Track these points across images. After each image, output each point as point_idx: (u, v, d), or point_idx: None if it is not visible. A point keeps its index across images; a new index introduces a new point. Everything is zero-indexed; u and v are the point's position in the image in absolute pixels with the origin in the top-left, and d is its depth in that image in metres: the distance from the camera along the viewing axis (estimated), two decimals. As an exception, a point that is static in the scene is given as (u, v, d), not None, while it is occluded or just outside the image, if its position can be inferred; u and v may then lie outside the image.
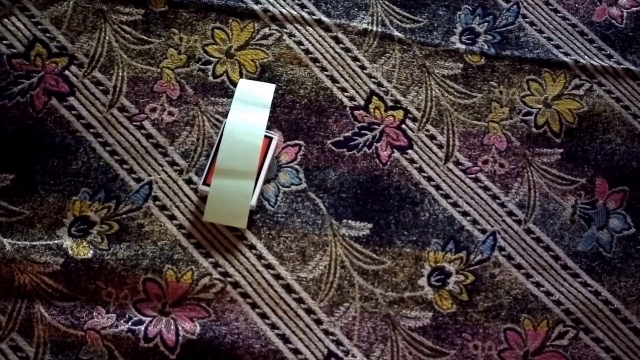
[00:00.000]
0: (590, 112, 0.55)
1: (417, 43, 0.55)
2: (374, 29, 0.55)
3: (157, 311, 0.45)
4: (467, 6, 0.57)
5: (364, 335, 0.46)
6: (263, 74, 0.52)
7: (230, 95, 0.51)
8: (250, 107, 0.48)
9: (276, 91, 0.50)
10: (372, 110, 0.52)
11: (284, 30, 0.53)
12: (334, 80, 0.53)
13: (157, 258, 0.46)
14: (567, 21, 0.58)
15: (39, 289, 0.45)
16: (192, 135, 0.50)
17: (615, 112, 0.55)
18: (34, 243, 0.45)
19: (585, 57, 0.56)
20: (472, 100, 0.54)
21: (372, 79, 0.53)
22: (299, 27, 0.54)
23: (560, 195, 0.52)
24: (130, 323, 0.44)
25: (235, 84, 0.51)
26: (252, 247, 0.47)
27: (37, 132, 0.48)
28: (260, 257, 0.47)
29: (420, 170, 0.51)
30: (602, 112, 0.55)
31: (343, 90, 0.52)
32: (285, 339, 0.46)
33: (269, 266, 0.47)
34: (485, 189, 0.51)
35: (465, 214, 0.50)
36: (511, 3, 0.58)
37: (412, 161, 0.51)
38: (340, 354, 0.46)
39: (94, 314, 0.44)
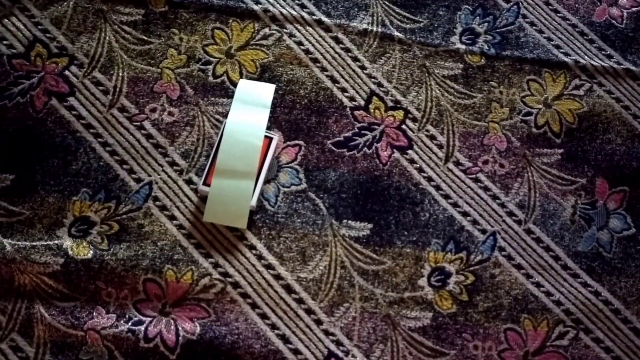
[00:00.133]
0: (591, 112, 0.55)
1: (417, 43, 0.55)
2: (374, 29, 0.55)
3: (157, 311, 0.45)
4: (467, 6, 0.57)
5: (364, 336, 0.46)
6: (263, 74, 0.52)
7: (230, 95, 0.51)
8: (250, 108, 0.48)
9: (276, 91, 0.50)
10: (372, 110, 0.52)
11: (284, 30, 0.53)
12: (334, 80, 0.53)
13: (157, 258, 0.46)
14: (567, 21, 0.58)
15: (39, 289, 0.45)
16: (192, 136, 0.50)
17: (616, 112, 0.55)
18: (34, 243, 0.45)
19: (586, 57, 0.56)
20: (472, 101, 0.54)
21: (372, 79, 0.53)
22: (299, 27, 0.54)
23: (561, 195, 0.52)
24: (130, 323, 0.44)
25: (235, 84, 0.51)
26: (252, 247, 0.47)
27: (37, 133, 0.48)
28: (260, 257, 0.47)
29: (420, 170, 0.51)
30: (602, 113, 0.55)
31: (343, 90, 0.52)
32: (285, 339, 0.46)
33: (269, 266, 0.47)
34: (486, 189, 0.51)
35: (465, 214, 0.50)
36: (511, 3, 0.58)
37: (412, 161, 0.51)
38: (341, 354, 0.46)
39: (94, 314, 0.44)
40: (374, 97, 0.53)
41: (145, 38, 0.52)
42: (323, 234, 0.48)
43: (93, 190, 0.47)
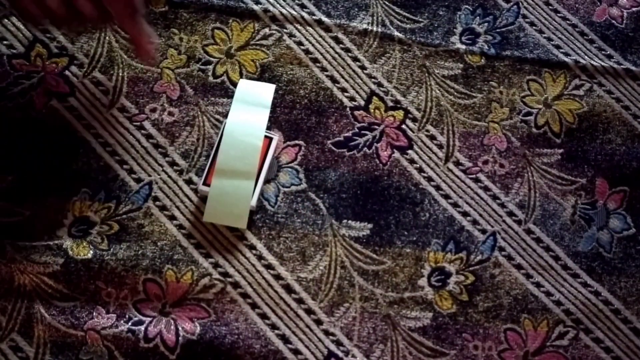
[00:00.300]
0: (591, 112, 0.55)
1: (417, 43, 0.55)
2: (374, 29, 0.55)
3: (157, 311, 0.45)
4: (467, 6, 0.57)
5: (364, 336, 0.46)
6: (263, 74, 0.52)
7: (230, 95, 0.51)
8: (250, 108, 0.48)
9: (276, 91, 0.50)
10: (372, 110, 0.52)
11: (284, 30, 0.53)
12: (334, 80, 0.53)
13: (157, 258, 0.46)
14: (568, 21, 0.58)
15: (39, 289, 0.45)
16: (192, 136, 0.50)
17: (616, 112, 0.55)
18: (34, 243, 0.45)
19: (586, 57, 0.56)
20: (472, 101, 0.54)
21: (372, 79, 0.53)
22: (299, 27, 0.54)
23: (561, 195, 0.52)
24: (130, 323, 0.44)
25: (235, 84, 0.51)
26: (252, 247, 0.47)
27: (38, 133, 0.48)
28: (260, 257, 0.47)
29: (420, 170, 0.51)
30: (602, 113, 0.55)
31: (343, 90, 0.52)
32: (285, 339, 0.46)
33: (269, 266, 0.47)
34: (486, 189, 0.51)
35: (465, 214, 0.50)
36: (511, 3, 0.58)
37: (412, 161, 0.51)
38: (340, 354, 0.46)
39: (94, 314, 0.44)
40: (374, 97, 0.53)
41: (145, 38, 0.52)
42: (323, 234, 0.48)
43: (93, 191, 0.47)
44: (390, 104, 0.53)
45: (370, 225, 0.49)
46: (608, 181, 0.53)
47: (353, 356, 0.46)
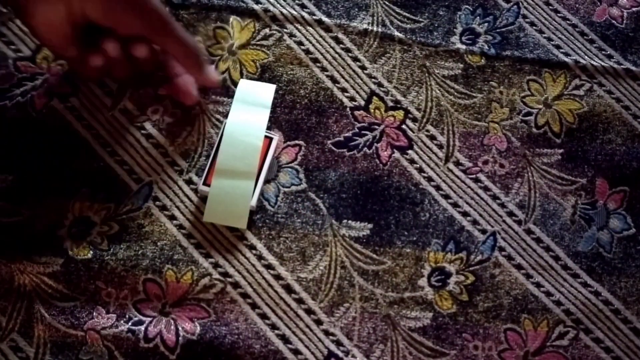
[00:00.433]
0: (591, 112, 0.55)
1: (417, 43, 0.55)
2: (375, 29, 0.55)
3: (157, 311, 0.45)
4: (467, 6, 0.57)
5: (364, 336, 0.46)
6: (263, 74, 0.52)
7: (231, 94, 0.51)
8: (250, 108, 0.48)
9: (276, 91, 0.50)
10: (372, 110, 0.52)
11: (285, 30, 0.53)
12: (334, 80, 0.53)
13: (157, 258, 0.46)
14: (568, 21, 0.58)
15: (39, 289, 0.45)
16: (192, 136, 0.50)
17: (616, 112, 0.55)
18: (34, 243, 0.45)
19: (586, 57, 0.56)
20: (473, 101, 0.54)
21: (373, 79, 0.53)
22: (300, 27, 0.54)
23: (561, 195, 0.52)
24: (130, 323, 0.44)
25: (236, 84, 0.51)
26: (252, 247, 0.47)
27: (38, 133, 0.48)
28: (260, 257, 0.47)
29: (420, 170, 0.51)
30: (603, 113, 0.55)
31: (343, 90, 0.52)
32: (285, 339, 0.46)
33: (269, 266, 0.47)
34: (486, 189, 0.51)
35: (465, 214, 0.50)
36: (511, 3, 0.58)
37: (412, 161, 0.51)
38: (341, 354, 0.46)
39: (94, 314, 0.44)
40: (374, 97, 0.53)
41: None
42: (323, 234, 0.48)
43: (93, 191, 0.47)
44: (391, 104, 0.53)
45: (370, 225, 0.49)
46: (608, 181, 0.53)
47: (353, 356, 0.46)
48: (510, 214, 0.51)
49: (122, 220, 0.47)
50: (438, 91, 0.54)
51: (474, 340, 0.47)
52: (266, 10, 0.54)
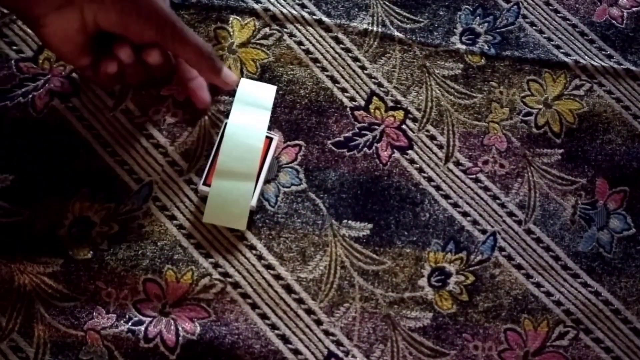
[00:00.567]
0: (591, 112, 0.55)
1: (417, 43, 0.55)
2: (375, 29, 0.55)
3: (157, 311, 0.45)
4: (467, 6, 0.57)
5: (364, 336, 0.46)
6: (263, 74, 0.52)
7: (231, 94, 0.51)
8: (251, 109, 0.48)
9: (276, 91, 0.50)
10: (372, 110, 0.52)
11: (285, 30, 0.53)
12: (334, 80, 0.53)
13: (157, 258, 0.46)
14: (568, 21, 0.58)
15: (39, 289, 0.45)
16: (192, 136, 0.50)
17: (616, 112, 0.55)
18: (34, 243, 0.45)
19: (586, 57, 0.56)
20: (473, 101, 0.54)
21: (373, 80, 0.53)
22: (300, 27, 0.54)
23: (561, 195, 0.52)
24: (130, 323, 0.44)
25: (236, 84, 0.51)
26: (252, 247, 0.47)
27: (38, 133, 0.48)
28: (260, 257, 0.47)
29: (420, 170, 0.51)
30: (603, 113, 0.55)
31: (343, 90, 0.52)
32: (285, 340, 0.46)
33: (269, 266, 0.47)
34: (486, 189, 0.51)
35: (465, 214, 0.50)
36: (511, 3, 0.58)
37: (412, 161, 0.51)
38: (341, 355, 0.46)
39: (94, 314, 0.44)
40: (374, 97, 0.53)
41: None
42: (323, 234, 0.48)
43: (93, 191, 0.47)
44: (391, 104, 0.53)
45: (370, 226, 0.49)
46: (608, 181, 0.53)
47: (353, 356, 0.46)
48: (510, 214, 0.51)
49: (122, 220, 0.47)
50: (438, 91, 0.54)
51: (474, 340, 0.47)
52: (266, 10, 0.54)
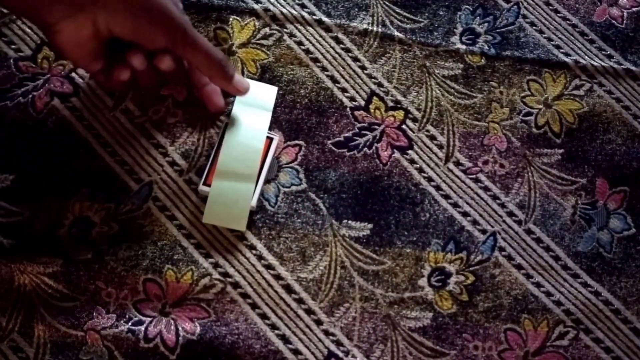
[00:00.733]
0: (591, 112, 0.55)
1: (417, 43, 0.55)
2: (375, 29, 0.55)
3: (157, 311, 0.45)
4: (467, 6, 0.57)
5: (364, 336, 0.46)
6: (264, 74, 0.52)
7: (232, 94, 0.51)
8: (252, 110, 0.48)
9: (277, 92, 0.50)
10: (372, 110, 0.52)
11: (285, 30, 0.53)
12: (334, 80, 0.53)
13: (157, 258, 0.46)
14: (568, 21, 0.58)
15: (39, 289, 0.45)
16: (193, 136, 0.50)
17: (616, 112, 0.55)
18: (34, 243, 0.45)
19: (586, 57, 0.56)
20: (473, 101, 0.54)
21: (373, 79, 0.53)
22: (300, 27, 0.54)
23: (561, 195, 0.52)
24: (130, 323, 0.44)
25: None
26: (252, 247, 0.47)
27: (38, 133, 0.48)
28: (260, 257, 0.47)
29: (420, 170, 0.51)
30: (603, 113, 0.55)
31: (343, 90, 0.52)
32: (285, 340, 0.46)
33: (269, 266, 0.47)
34: (486, 189, 0.51)
35: (465, 214, 0.50)
36: (511, 3, 0.58)
37: (412, 161, 0.51)
38: (341, 355, 0.46)
39: (94, 314, 0.44)
40: (374, 97, 0.53)
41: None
42: (323, 234, 0.48)
43: (93, 191, 0.47)
44: (391, 104, 0.53)
45: (370, 226, 0.49)
46: (608, 181, 0.53)
47: (353, 356, 0.46)
48: (510, 214, 0.51)
49: (122, 220, 0.47)
50: (438, 91, 0.54)
51: (474, 340, 0.47)
52: (266, 10, 0.54)
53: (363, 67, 0.53)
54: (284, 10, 0.54)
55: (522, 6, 0.58)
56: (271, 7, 0.54)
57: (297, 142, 0.51)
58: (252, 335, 0.45)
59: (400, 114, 0.52)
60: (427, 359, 0.46)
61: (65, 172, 0.47)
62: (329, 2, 0.55)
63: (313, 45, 0.53)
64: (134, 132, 0.49)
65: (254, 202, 0.46)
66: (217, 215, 0.46)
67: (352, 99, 0.52)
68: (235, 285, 0.46)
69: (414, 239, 0.49)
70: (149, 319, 0.45)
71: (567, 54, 0.56)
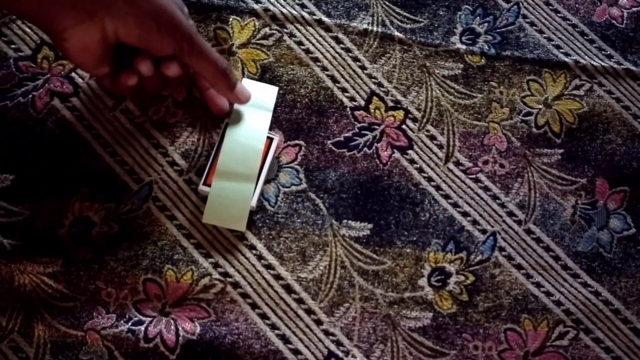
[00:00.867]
0: (591, 112, 0.55)
1: (417, 43, 0.55)
2: (375, 29, 0.55)
3: (157, 311, 0.45)
4: (467, 6, 0.57)
5: (364, 336, 0.46)
6: (264, 74, 0.52)
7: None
8: (252, 110, 0.48)
9: (277, 92, 0.50)
10: (372, 110, 0.52)
11: (285, 30, 0.53)
12: (334, 80, 0.53)
13: (157, 258, 0.46)
14: (568, 21, 0.58)
15: (39, 289, 0.45)
16: (193, 136, 0.50)
17: (616, 112, 0.55)
18: (34, 243, 0.45)
19: (586, 57, 0.56)
20: (473, 101, 0.54)
21: (373, 79, 0.53)
22: (300, 27, 0.54)
23: (561, 195, 0.52)
24: (130, 323, 0.44)
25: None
26: (252, 247, 0.47)
27: (38, 133, 0.48)
28: (260, 257, 0.47)
29: (420, 170, 0.51)
30: (603, 113, 0.55)
31: (343, 90, 0.52)
32: (285, 340, 0.46)
33: (269, 266, 0.47)
34: (486, 189, 0.51)
35: (465, 214, 0.50)
36: (511, 3, 0.58)
37: (412, 161, 0.51)
38: (341, 355, 0.46)
39: (94, 314, 0.44)
40: (374, 97, 0.53)
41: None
42: (323, 234, 0.48)
43: (93, 191, 0.47)
44: (391, 104, 0.53)
45: (370, 226, 0.49)
46: (608, 181, 0.53)
47: (353, 356, 0.46)
48: (510, 214, 0.51)
49: (122, 220, 0.47)
50: (438, 91, 0.54)
51: (474, 340, 0.47)
52: (266, 10, 0.54)
53: (363, 67, 0.53)
54: (284, 10, 0.54)
55: (522, 6, 0.58)
56: (271, 7, 0.54)
57: (297, 142, 0.51)
58: (252, 335, 0.45)
59: (400, 114, 0.52)
60: (427, 359, 0.46)
61: (65, 172, 0.47)
62: (329, 2, 0.55)
63: (313, 45, 0.53)
64: (134, 132, 0.49)
65: (254, 202, 0.46)
66: (217, 216, 0.46)
67: (352, 98, 0.52)
68: (235, 285, 0.46)
69: (414, 239, 0.49)
70: (149, 319, 0.45)
71: (567, 54, 0.56)
